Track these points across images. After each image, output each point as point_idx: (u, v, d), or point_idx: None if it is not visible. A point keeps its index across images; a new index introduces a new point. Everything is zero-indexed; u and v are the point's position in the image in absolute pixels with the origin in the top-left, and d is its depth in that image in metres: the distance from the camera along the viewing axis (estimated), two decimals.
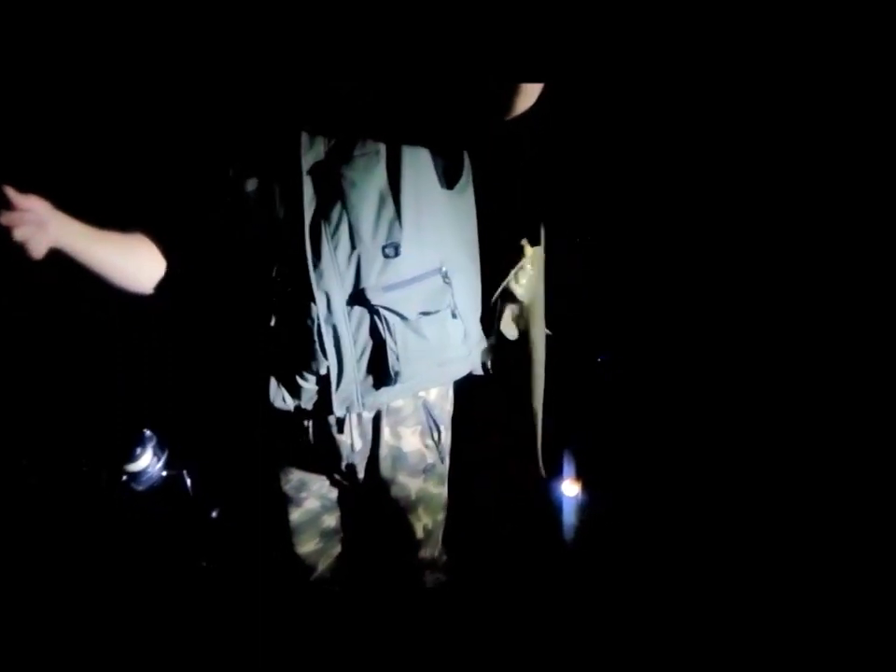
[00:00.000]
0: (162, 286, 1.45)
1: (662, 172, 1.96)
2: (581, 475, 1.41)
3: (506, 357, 1.31)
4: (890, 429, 1.78)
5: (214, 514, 1.91)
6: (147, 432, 1.79)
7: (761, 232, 1.93)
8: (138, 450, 1.75)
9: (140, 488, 1.78)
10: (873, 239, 1.80)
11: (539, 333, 1.34)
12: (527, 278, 1.32)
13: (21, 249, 1.15)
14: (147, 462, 1.77)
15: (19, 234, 1.13)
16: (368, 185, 1.31)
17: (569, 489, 1.79)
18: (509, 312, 1.30)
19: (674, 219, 2.00)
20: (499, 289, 1.30)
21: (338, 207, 1.30)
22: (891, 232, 1.76)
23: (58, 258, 1.24)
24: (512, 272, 1.27)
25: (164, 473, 1.82)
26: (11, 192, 1.12)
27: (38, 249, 1.17)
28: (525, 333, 1.32)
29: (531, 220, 1.33)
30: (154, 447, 1.78)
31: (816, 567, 1.72)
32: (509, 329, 1.32)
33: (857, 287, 1.84)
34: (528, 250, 1.31)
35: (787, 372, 1.94)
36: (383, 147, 1.31)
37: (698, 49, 1.39)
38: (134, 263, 1.41)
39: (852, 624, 1.59)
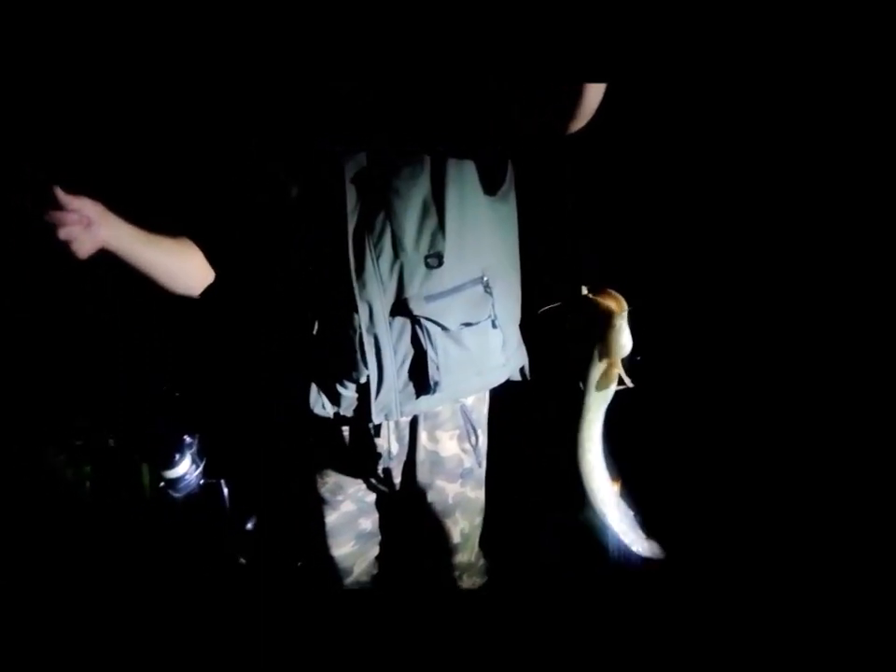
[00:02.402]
0: (208, 291, 1.46)
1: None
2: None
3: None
4: (891, 429, 1.77)
5: (249, 526, 1.92)
6: (188, 438, 1.77)
7: (766, 231, 1.92)
8: (177, 456, 1.74)
9: (177, 495, 1.77)
10: (873, 239, 1.79)
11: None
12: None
13: (65, 248, 1.16)
14: (186, 469, 1.76)
15: (63, 234, 1.14)
16: (412, 193, 1.29)
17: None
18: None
19: (677, 217, 2.00)
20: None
21: (381, 216, 1.29)
22: (892, 232, 1.76)
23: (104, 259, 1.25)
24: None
25: (202, 481, 1.81)
26: (60, 192, 1.13)
27: (83, 249, 1.18)
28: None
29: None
30: (193, 454, 1.77)
31: (817, 565, 1.72)
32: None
33: (858, 285, 1.83)
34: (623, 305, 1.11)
35: (789, 368, 1.94)
36: (427, 156, 1.29)
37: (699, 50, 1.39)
38: (182, 268, 1.41)
39: (852, 624, 1.58)
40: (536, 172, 1.45)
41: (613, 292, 1.10)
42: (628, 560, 1.31)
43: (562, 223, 1.39)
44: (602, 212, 1.85)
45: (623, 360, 1.12)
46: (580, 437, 1.19)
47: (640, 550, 1.29)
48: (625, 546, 1.29)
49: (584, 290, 1.11)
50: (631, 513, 1.28)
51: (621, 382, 1.13)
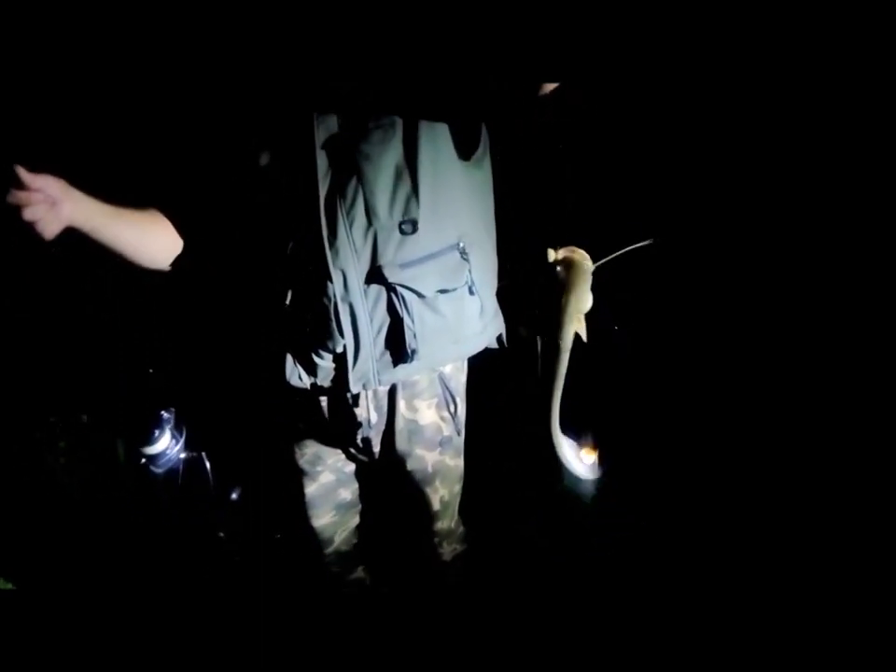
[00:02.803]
0: (178, 263, 1.43)
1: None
2: (597, 444, 1.42)
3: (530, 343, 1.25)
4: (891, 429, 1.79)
5: (234, 496, 1.92)
6: (165, 414, 1.76)
7: (757, 222, 1.93)
8: (156, 432, 1.73)
9: (159, 471, 1.77)
10: (873, 239, 1.79)
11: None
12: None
13: (31, 230, 1.12)
14: (166, 444, 1.75)
15: (28, 214, 1.10)
16: (384, 159, 1.27)
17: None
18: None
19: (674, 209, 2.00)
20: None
21: (353, 182, 1.27)
22: (892, 232, 1.76)
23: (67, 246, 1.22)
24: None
25: (183, 455, 1.80)
26: (22, 171, 1.08)
27: (50, 229, 1.14)
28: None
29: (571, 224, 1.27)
30: (172, 429, 1.76)
31: (817, 562, 1.75)
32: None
33: (858, 284, 1.84)
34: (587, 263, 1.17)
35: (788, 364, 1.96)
36: (398, 119, 1.27)
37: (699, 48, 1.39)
38: (151, 241, 1.38)
39: (852, 624, 1.61)
40: (513, 142, 1.44)
41: (577, 249, 1.15)
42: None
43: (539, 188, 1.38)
44: (602, 211, 1.85)
45: (582, 316, 1.16)
46: (545, 385, 1.24)
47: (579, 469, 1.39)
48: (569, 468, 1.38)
49: (551, 252, 1.15)
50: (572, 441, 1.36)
51: (578, 339, 1.17)
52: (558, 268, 1.14)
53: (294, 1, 1.13)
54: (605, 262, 1.17)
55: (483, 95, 1.26)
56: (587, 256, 1.15)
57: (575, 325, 1.15)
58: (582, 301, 1.15)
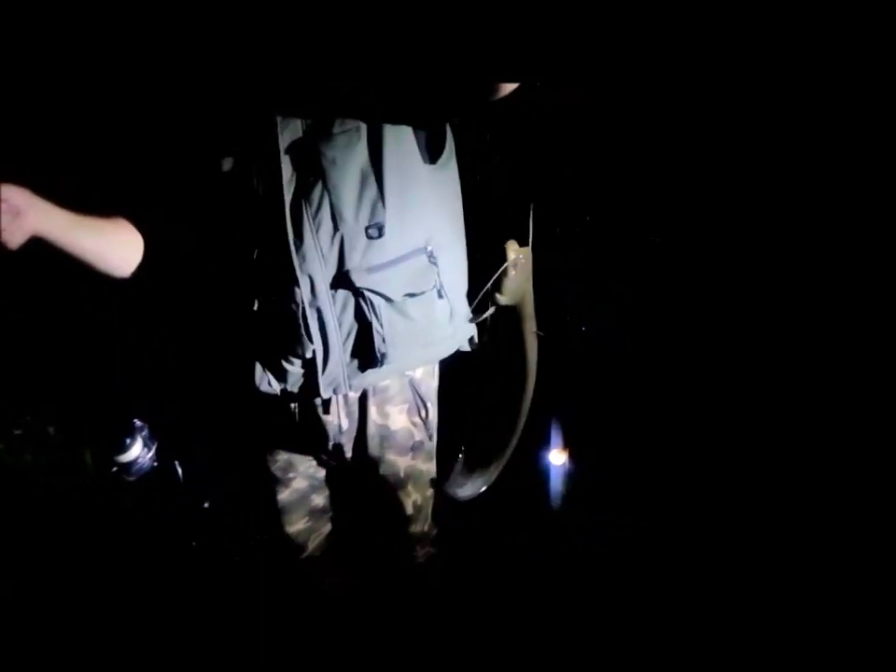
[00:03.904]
0: (144, 271, 1.41)
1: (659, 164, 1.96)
2: (567, 444, 1.44)
3: (496, 350, 1.29)
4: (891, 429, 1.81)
5: (206, 504, 1.91)
6: (138, 422, 1.75)
7: (757, 220, 1.94)
8: (128, 440, 1.72)
9: (131, 479, 1.75)
10: (873, 239, 1.81)
11: (530, 333, 1.32)
12: (513, 283, 1.29)
13: None
14: (138, 452, 1.73)
15: None
16: (349, 163, 1.26)
17: (556, 458, 1.82)
18: (496, 316, 1.28)
19: (664, 207, 2.01)
20: (479, 296, 1.28)
21: (319, 187, 1.26)
22: (892, 232, 1.78)
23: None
24: (493, 279, 1.25)
25: (155, 463, 1.79)
26: None
27: (14, 239, 1.14)
28: (516, 334, 1.29)
29: (518, 218, 1.30)
30: (144, 437, 1.75)
31: (812, 552, 1.76)
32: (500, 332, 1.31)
33: (857, 284, 1.86)
34: (511, 253, 1.28)
35: (776, 356, 1.97)
36: (363, 124, 1.27)
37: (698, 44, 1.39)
38: (116, 250, 1.37)
39: (852, 622, 1.62)
40: (478, 145, 1.45)
41: (513, 241, 1.25)
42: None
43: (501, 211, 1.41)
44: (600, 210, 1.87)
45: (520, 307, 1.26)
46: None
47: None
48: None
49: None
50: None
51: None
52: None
53: (259, 5, 1.12)
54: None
55: (449, 97, 1.26)
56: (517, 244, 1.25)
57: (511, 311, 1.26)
58: (510, 285, 1.26)
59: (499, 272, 1.27)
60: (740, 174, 1.87)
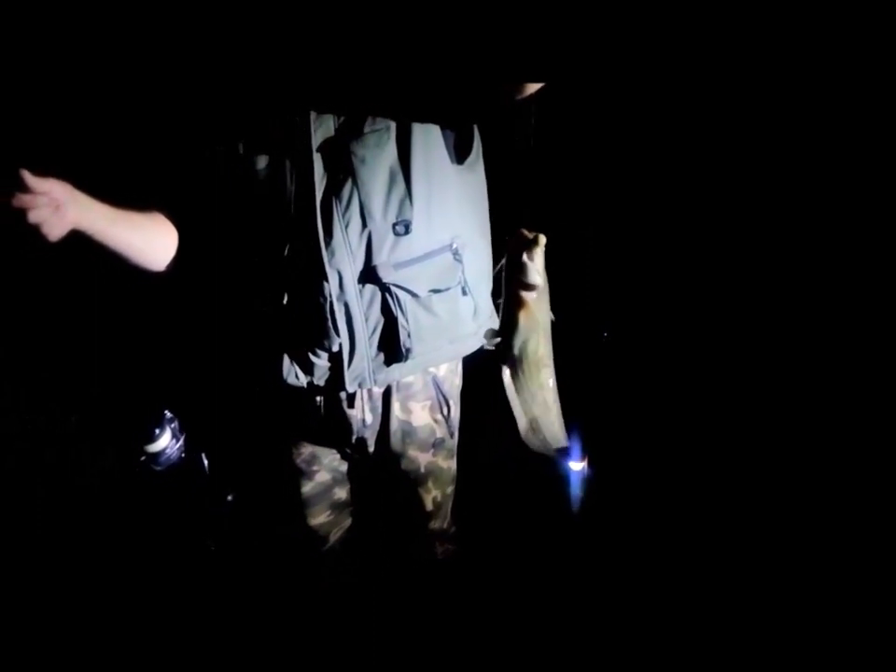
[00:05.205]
0: (179, 265, 1.45)
1: (664, 163, 1.98)
2: (587, 450, 1.45)
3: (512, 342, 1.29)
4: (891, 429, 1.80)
5: (230, 498, 1.94)
6: (168, 413, 1.80)
7: (761, 220, 1.95)
8: (157, 430, 1.77)
9: (158, 469, 1.80)
10: (873, 239, 1.81)
11: (546, 318, 1.32)
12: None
13: (36, 232, 1.13)
14: (167, 443, 1.78)
15: (33, 217, 1.11)
16: (378, 162, 1.30)
17: (576, 464, 1.83)
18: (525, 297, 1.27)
19: (672, 206, 2.02)
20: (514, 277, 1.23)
21: (349, 185, 1.30)
22: (891, 232, 1.78)
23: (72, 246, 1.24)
24: (527, 259, 1.23)
25: (183, 455, 1.83)
26: (27, 175, 1.09)
27: (54, 232, 1.15)
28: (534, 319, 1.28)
29: (536, 209, 1.31)
30: (174, 428, 1.79)
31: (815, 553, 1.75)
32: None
33: (857, 283, 1.85)
34: (542, 236, 1.22)
35: (784, 356, 1.97)
36: (393, 124, 1.31)
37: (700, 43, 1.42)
38: (153, 243, 1.40)
39: (852, 621, 1.61)
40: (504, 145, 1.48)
41: (526, 230, 1.20)
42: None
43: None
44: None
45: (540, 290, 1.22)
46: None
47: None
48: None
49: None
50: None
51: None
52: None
53: (290, 5, 1.17)
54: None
55: (477, 100, 1.30)
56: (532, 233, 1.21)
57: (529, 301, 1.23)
58: (527, 274, 1.20)
59: (534, 250, 1.20)
60: (740, 174, 1.88)
